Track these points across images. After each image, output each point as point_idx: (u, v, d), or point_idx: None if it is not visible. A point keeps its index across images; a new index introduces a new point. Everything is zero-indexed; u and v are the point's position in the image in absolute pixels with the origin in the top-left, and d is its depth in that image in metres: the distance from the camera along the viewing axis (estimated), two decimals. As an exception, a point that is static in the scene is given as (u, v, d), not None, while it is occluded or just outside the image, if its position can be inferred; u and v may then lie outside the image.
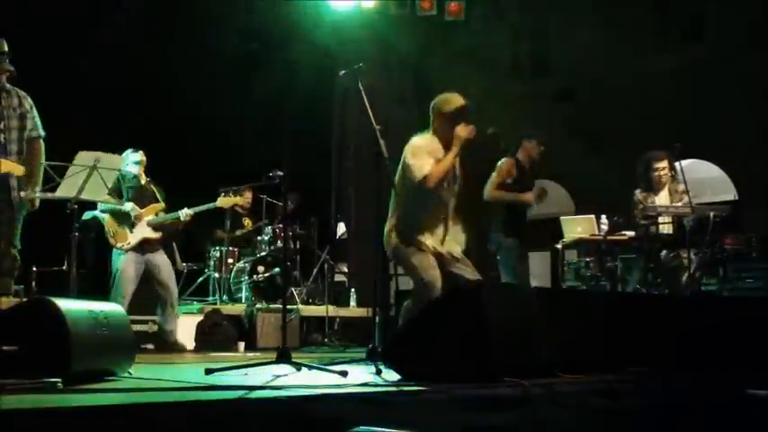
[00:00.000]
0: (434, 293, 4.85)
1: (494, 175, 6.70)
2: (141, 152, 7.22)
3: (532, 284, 7.04)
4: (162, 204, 7.20)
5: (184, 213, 7.25)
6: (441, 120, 5.13)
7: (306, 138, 7.97)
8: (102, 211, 6.98)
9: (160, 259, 7.09)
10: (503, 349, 3.49)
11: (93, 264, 7.31)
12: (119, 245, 6.92)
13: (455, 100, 5.14)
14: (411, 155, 5.07)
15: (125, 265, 6.88)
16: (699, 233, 6.38)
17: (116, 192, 6.95)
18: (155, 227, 7.07)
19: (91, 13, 7.93)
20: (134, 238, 6.95)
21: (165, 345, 7.03)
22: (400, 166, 5.11)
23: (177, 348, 7.02)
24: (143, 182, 7.19)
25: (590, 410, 3.46)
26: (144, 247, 6.99)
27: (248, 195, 9.43)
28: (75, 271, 4.79)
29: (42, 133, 5.19)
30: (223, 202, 7.84)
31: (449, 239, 5.14)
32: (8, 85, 4.93)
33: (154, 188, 7.27)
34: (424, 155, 5.03)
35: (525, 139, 6.80)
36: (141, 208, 7.04)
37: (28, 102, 5.06)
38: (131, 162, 7.16)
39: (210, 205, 7.77)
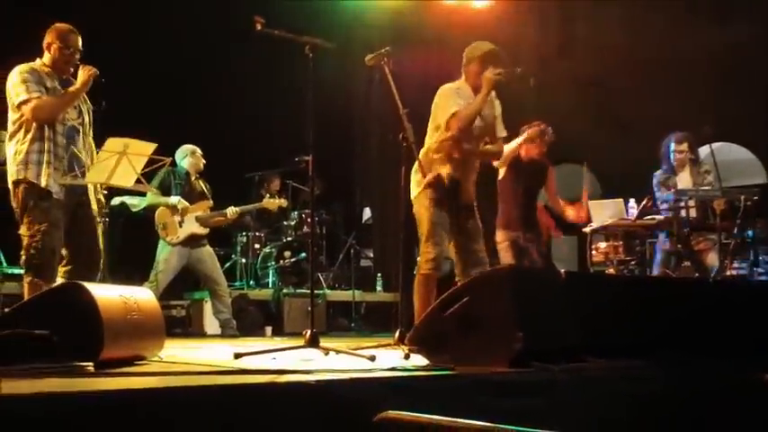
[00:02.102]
0: (438, 270, 4.95)
1: None
2: (198, 151, 7.30)
3: (560, 269, 6.98)
4: (210, 202, 7.32)
5: (231, 211, 7.39)
6: (470, 65, 5.14)
7: (331, 122, 7.96)
8: (148, 204, 7.08)
9: (205, 252, 7.20)
10: (531, 334, 3.47)
11: (122, 249, 7.39)
12: (168, 238, 7.05)
13: (483, 45, 5.15)
14: (439, 97, 5.10)
15: (169, 257, 7.03)
16: (729, 217, 6.31)
17: (164, 186, 7.04)
18: (202, 223, 7.17)
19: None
20: (183, 232, 7.08)
21: (229, 335, 7.09)
22: (432, 116, 5.12)
23: (237, 335, 7.09)
24: (193, 178, 7.29)
25: (618, 395, 3.44)
26: (190, 242, 7.10)
27: (277, 182, 9.50)
28: (105, 256, 4.83)
29: None
30: (268, 203, 7.94)
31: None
32: (72, 79, 4.96)
33: (203, 185, 7.38)
34: (453, 96, 5.05)
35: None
36: (191, 204, 7.13)
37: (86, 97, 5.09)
38: (187, 159, 7.26)
39: (256, 205, 7.97)
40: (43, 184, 4.67)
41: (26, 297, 4.52)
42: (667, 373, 3.69)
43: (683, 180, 6.77)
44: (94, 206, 4.92)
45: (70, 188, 4.77)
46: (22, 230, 4.69)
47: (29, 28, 5.14)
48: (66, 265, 4.81)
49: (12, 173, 4.73)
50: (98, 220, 4.89)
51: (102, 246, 4.87)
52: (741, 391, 3.74)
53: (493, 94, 5.15)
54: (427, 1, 9.76)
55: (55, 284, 4.45)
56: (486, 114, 5.17)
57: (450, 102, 5.00)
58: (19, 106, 4.70)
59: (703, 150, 6.98)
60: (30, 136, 4.71)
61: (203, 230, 7.19)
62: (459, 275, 5.08)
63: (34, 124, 4.71)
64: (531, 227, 6.63)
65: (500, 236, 6.58)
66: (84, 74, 4.81)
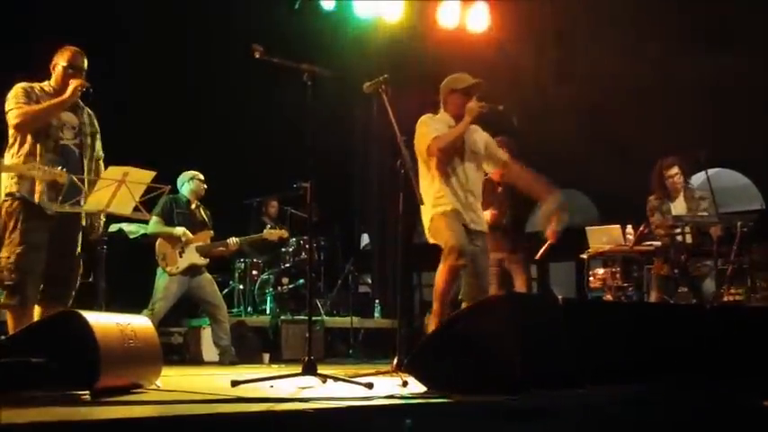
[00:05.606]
0: (463, 257, 4.85)
1: None
2: (200, 177, 7.27)
3: (558, 295, 6.99)
4: (211, 232, 7.27)
5: (233, 242, 7.35)
6: (453, 97, 5.20)
7: (330, 149, 7.99)
8: (151, 233, 7.05)
9: (204, 279, 7.14)
10: (529, 360, 3.47)
11: (119, 277, 7.37)
12: (168, 268, 6.99)
13: (467, 77, 5.21)
14: (419, 126, 5.15)
15: (168, 285, 6.97)
16: (726, 243, 6.32)
17: (165, 214, 7.00)
18: (203, 253, 7.13)
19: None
20: (183, 263, 7.03)
21: (228, 363, 7.00)
22: (417, 150, 5.12)
23: (236, 362, 7.03)
24: (193, 206, 7.25)
25: (616, 421, 3.43)
26: (190, 271, 7.05)
27: (275, 206, 9.51)
28: (103, 284, 4.81)
29: (102, 155, 5.21)
30: (269, 234, 7.91)
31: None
32: (81, 102, 4.98)
33: (203, 213, 7.34)
34: (430, 123, 5.14)
35: None
36: (191, 233, 7.09)
37: (95, 122, 5.10)
38: (187, 185, 7.23)
39: (257, 236, 7.93)
40: (36, 200, 4.67)
41: None
42: (665, 400, 3.68)
43: (678, 206, 6.77)
44: (83, 223, 4.92)
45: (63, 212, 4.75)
46: (2, 251, 4.67)
47: (35, 54, 5.17)
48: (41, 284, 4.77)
49: (6, 186, 4.73)
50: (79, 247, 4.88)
51: (81, 270, 4.87)
52: (740, 416, 3.73)
53: (478, 127, 5.24)
54: (425, 28, 9.83)
55: (55, 312, 4.43)
56: (477, 145, 5.23)
57: (428, 129, 5.09)
58: (7, 117, 4.72)
59: (700, 177, 7.00)
60: (23, 151, 4.72)
61: (204, 261, 7.14)
62: (464, 298, 5.08)
63: (28, 139, 4.72)
64: (515, 249, 6.68)
65: None
66: (72, 84, 4.80)
